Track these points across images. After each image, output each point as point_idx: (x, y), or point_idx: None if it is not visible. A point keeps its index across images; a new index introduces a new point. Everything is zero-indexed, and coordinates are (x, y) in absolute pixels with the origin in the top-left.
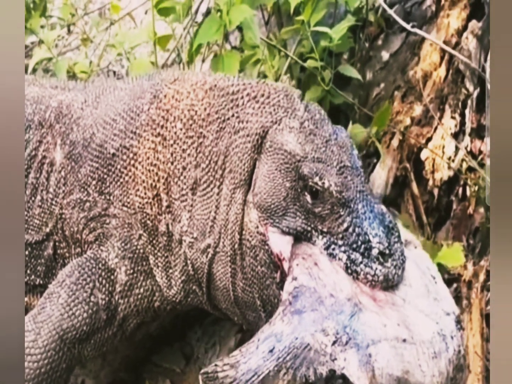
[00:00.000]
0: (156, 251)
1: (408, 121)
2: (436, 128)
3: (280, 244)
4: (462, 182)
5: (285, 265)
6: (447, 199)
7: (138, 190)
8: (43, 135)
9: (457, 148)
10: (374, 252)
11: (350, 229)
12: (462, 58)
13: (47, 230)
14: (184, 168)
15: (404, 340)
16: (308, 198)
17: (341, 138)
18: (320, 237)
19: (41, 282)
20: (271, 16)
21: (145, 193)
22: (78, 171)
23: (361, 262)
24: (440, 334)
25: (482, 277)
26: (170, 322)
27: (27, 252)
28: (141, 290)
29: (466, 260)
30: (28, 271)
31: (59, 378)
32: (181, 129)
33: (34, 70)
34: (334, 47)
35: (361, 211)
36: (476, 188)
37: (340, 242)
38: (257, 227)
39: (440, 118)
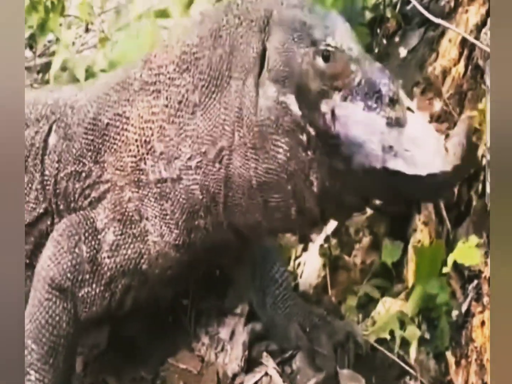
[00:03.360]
0: (151, 203)
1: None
2: (455, 124)
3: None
4: (482, 178)
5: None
6: (467, 195)
7: (130, 150)
8: (40, 126)
9: None
10: (385, 99)
11: (362, 82)
12: (483, 47)
13: (41, 210)
14: (180, 102)
15: None
16: (321, 61)
17: (338, 16)
18: (336, 92)
19: (27, 261)
20: None
21: (138, 151)
22: (73, 147)
23: (376, 107)
24: None
25: None
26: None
27: None
28: (129, 251)
29: (486, 257)
30: None
31: (60, 329)
32: (174, 70)
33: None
34: None
35: (368, 67)
36: None
37: (355, 95)
38: (277, 98)
39: (460, 114)
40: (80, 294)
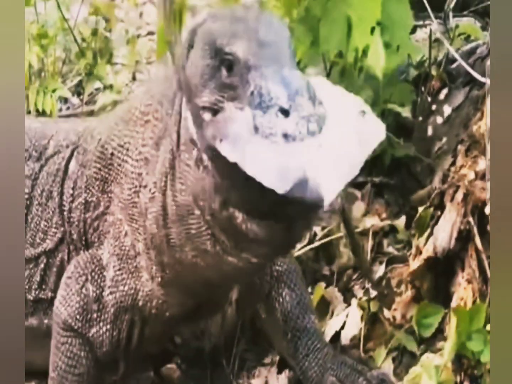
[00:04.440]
0: (142, 237)
1: (472, 175)
2: None
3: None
4: None
5: None
6: None
7: (128, 183)
8: (67, 151)
9: None
10: (274, 109)
11: (255, 92)
12: None
13: (60, 235)
14: (159, 136)
15: None
16: (224, 71)
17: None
18: (229, 102)
19: (52, 295)
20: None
21: (133, 183)
22: (85, 174)
23: (261, 116)
24: None
25: None
26: None
27: (44, 260)
28: (126, 287)
29: None
30: (43, 286)
31: (80, 367)
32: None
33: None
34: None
35: (269, 75)
36: None
37: (246, 104)
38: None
39: None
40: (90, 335)
